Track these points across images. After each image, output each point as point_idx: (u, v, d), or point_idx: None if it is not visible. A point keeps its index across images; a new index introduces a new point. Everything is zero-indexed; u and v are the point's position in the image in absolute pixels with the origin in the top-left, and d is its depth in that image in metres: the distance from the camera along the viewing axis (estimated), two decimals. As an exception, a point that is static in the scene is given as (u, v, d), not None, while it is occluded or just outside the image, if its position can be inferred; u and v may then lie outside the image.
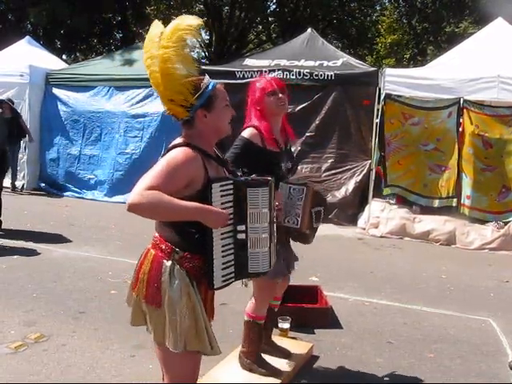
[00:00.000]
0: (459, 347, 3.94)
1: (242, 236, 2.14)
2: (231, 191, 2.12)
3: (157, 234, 2.20)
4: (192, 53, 2.22)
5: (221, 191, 2.09)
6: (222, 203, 2.09)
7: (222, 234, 2.10)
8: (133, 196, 1.96)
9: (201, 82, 2.17)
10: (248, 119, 3.11)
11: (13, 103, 9.34)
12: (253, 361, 3.25)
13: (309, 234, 3.14)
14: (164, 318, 2.10)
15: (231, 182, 2.13)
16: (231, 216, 2.11)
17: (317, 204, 3.12)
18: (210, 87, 2.17)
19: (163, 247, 2.14)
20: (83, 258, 5.80)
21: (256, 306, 3.21)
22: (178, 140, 2.20)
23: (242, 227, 2.14)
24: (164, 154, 2.14)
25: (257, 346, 3.26)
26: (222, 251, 2.11)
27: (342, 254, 6.65)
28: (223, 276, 2.12)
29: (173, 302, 2.08)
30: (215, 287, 2.11)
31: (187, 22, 2.13)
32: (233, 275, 2.16)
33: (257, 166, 2.85)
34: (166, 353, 2.14)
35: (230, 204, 2.12)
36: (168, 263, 2.11)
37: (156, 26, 2.21)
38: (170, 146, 2.18)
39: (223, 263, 2.12)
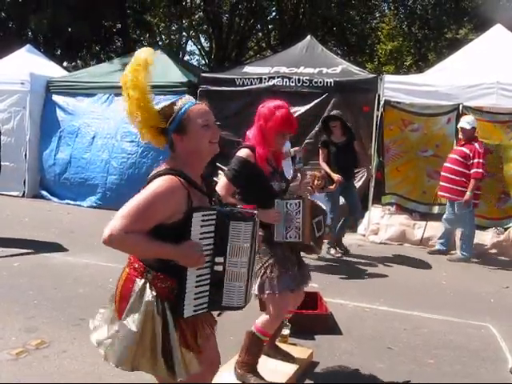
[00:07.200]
0: (459, 353, 3.94)
1: (219, 268, 2.10)
2: (213, 221, 2.07)
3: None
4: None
5: (202, 221, 2.04)
6: (202, 233, 2.05)
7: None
8: (110, 233, 1.95)
9: (173, 107, 2.15)
10: (252, 135, 3.14)
11: (346, 121, 6.84)
12: (247, 371, 3.18)
13: (314, 245, 3.18)
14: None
15: (214, 212, 2.08)
16: (211, 247, 2.07)
17: (315, 215, 3.18)
18: (183, 111, 2.13)
19: (136, 266, 2.14)
20: (83, 265, 5.81)
21: (268, 322, 3.14)
22: (162, 166, 2.16)
23: (220, 259, 2.09)
24: (146, 185, 2.09)
25: (254, 359, 3.20)
26: (197, 281, 2.06)
27: (341, 260, 6.66)
28: (195, 306, 2.07)
29: (135, 319, 2.05)
30: (185, 316, 2.06)
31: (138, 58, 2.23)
32: (205, 306, 2.11)
33: (253, 184, 3.01)
34: None
35: (211, 234, 2.07)
36: (140, 282, 2.10)
37: (143, 52, 2.28)
38: (152, 174, 2.13)
39: (196, 293, 2.07)
